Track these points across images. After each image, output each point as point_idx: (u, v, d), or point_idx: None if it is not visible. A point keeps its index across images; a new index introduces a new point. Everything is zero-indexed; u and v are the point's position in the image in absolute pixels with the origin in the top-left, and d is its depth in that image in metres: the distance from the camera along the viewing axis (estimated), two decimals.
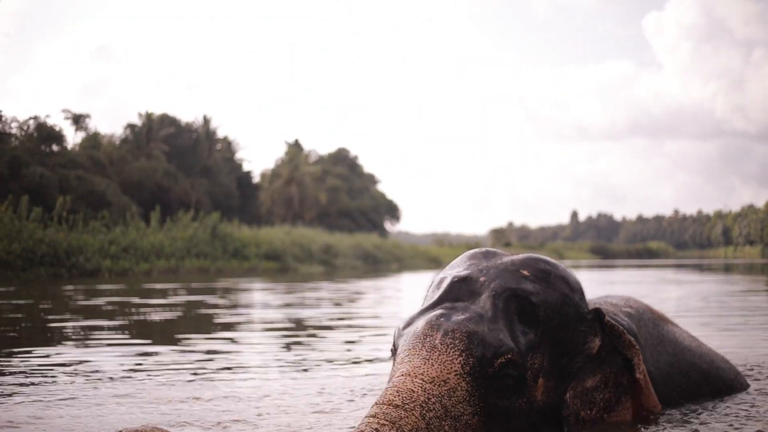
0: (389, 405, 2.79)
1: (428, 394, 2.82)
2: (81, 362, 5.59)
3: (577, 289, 3.29)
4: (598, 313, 3.26)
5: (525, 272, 3.21)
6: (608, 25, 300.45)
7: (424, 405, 2.79)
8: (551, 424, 3.10)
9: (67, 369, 5.26)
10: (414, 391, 2.82)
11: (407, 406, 2.78)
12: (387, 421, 2.73)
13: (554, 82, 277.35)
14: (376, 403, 2.82)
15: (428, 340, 2.97)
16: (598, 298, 3.91)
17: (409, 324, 3.13)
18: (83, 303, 12.36)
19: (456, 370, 2.87)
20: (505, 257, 3.36)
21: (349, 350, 6.40)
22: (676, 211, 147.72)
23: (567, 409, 3.10)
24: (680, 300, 12.71)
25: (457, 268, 3.36)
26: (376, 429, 2.71)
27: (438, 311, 3.09)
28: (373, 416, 2.76)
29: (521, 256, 3.35)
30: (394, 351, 3.14)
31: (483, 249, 3.47)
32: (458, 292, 3.17)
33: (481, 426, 2.89)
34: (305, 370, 5.27)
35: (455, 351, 2.90)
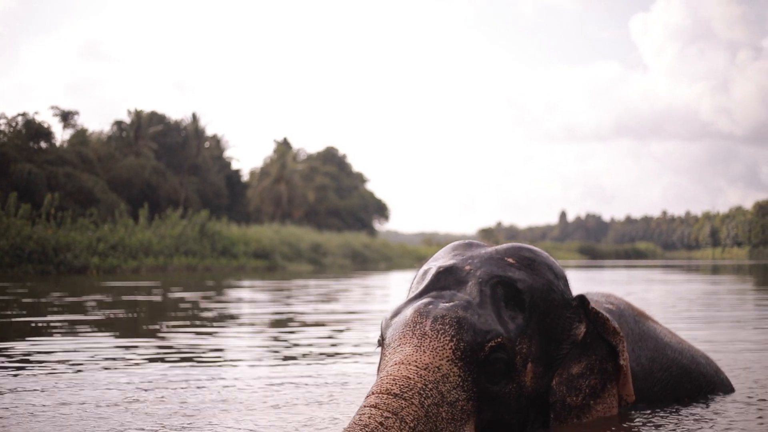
0: (388, 394, 2.79)
1: (424, 381, 2.83)
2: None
3: (561, 276, 3.34)
4: (582, 300, 3.31)
5: (510, 260, 3.25)
6: (595, 27, 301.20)
7: (422, 392, 2.80)
8: (539, 412, 3.14)
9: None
10: (410, 378, 2.83)
11: (406, 395, 2.79)
12: (390, 412, 2.74)
13: (542, 83, 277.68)
14: (373, 392, 2.83)
15: (418, 327, 2.98)
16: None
17: (396, 314, 3.14)
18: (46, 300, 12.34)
19: (448, 356, 2.90)
20: (488, 247, 3.40)
21: (333, 344, 6.44)
22: (665, 212, 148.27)
23: (553, 396, 3.14)
24: (664, 299, 12.80)
25: (441, 259, 3.39)
26: (380, 422, 2.72)
27: (425, 299, 3.10)
28: (374, 406, 2.77)
29: (505, 245, 3.39)
30: (381, 341, 3.15)
31: (466, 241, 3.52)
32: (444, 281, 3.20)
33: (476, 411, 2.90)
34: (287, 363, 5.30)
35: (446, 337, 2.92)
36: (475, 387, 2.91)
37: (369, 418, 2.73)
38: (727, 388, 4.12)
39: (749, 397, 4.02)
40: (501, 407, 2.99)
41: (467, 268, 3.22)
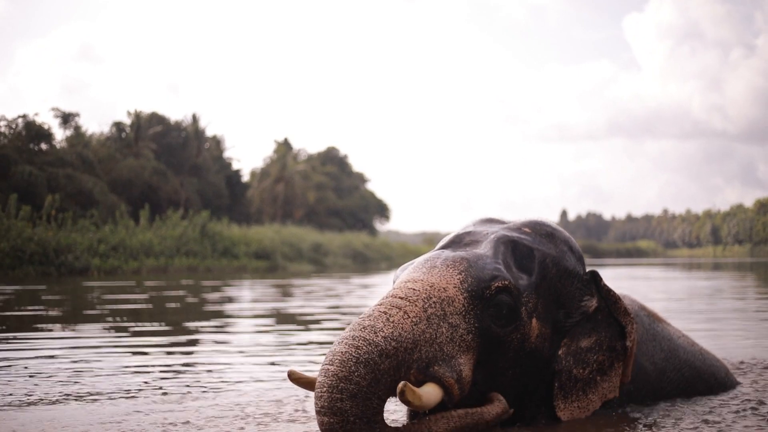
0: (394, 297, 2.98)
1: (429, 293, 2.98)
2: None
3: (576, 251, 3.46)
4: (594, 275, 3.42)
5: (527, 229, 3.42)
6: (588, 27, 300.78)
7: (426, 300, 2.95)
8: (541, 378, 3.20)
9: None
10: (416, 290, 3.00)
11: (410, 299, 2.95)
12: (393, 306, 2.91)
13: (535, 83, 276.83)
14: (379, 301, 2.99)
15: (429, 263, 3.16)
16: None
17: (411, 263, 3.31)
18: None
19: (455, 284, 3.03)
20: (509, 222, 3.54)
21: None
22: (666, 211, 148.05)
23: (559, 364, 3.21)
24: (666, 295, 12.79)
25: (463, 229, 3.54)
26: (383, 312, 2.90)
27: (438, 250, 3.32)
28: (380, 304, 2.95)
29: (525, 219, 3.54)
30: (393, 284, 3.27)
31: (488, 216, 3.66)
32: (461, 241, 3.39)
33: (476, 348, 3.00)
34: (289, 358, 5.29)
35: (455, 270, 3.08)
36: (477, 323, 3.02)
37: (372, 312, 2.92)
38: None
39: (754, 395, 4.02)
40: (500, 353, 3.07)
41: (485, 233, 3.38)
